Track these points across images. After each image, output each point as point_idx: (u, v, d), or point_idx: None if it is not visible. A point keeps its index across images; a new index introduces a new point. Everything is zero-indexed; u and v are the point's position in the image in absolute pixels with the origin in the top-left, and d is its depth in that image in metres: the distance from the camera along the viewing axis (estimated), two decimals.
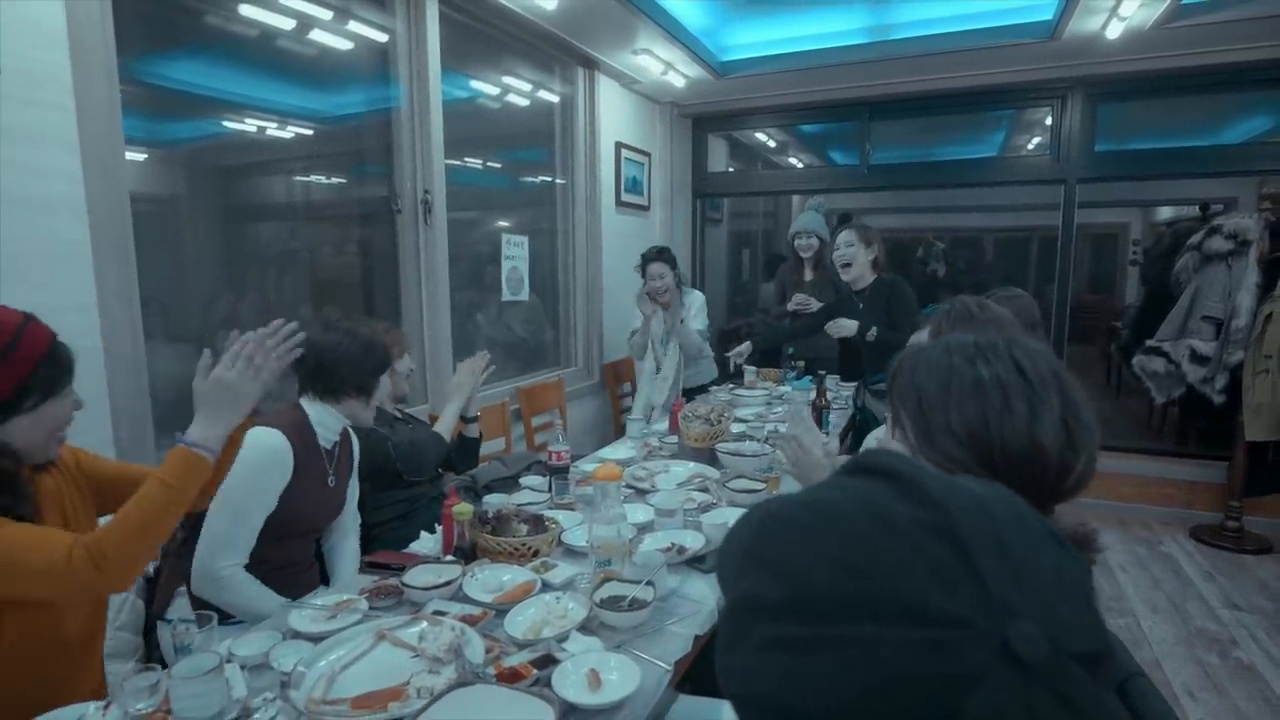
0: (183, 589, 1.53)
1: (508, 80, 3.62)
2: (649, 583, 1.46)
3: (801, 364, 3.96)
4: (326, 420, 1.77)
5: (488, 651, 1.29)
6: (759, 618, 0.37)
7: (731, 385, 3.81)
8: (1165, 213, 8.18)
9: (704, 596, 1.55)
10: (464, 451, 2.46)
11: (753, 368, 3.94)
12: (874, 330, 3.23)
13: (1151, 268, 4.58)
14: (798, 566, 0.37)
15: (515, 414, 3.43)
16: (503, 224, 3.76)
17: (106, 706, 1.12)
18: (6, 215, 1.66)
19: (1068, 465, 0.87)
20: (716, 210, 5.96)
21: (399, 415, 2.37)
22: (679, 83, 4.17)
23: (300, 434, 1.68)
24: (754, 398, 3.48)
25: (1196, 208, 4.58)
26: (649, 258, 3.73)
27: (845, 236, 3.35)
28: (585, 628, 1.38)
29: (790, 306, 4.04)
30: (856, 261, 3.32)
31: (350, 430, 1.89)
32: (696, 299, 3.89)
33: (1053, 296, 4.37)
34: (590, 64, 3.95)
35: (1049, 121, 4.70)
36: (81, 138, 1.79)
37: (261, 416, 1.62)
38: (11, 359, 1.13)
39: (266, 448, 1.59)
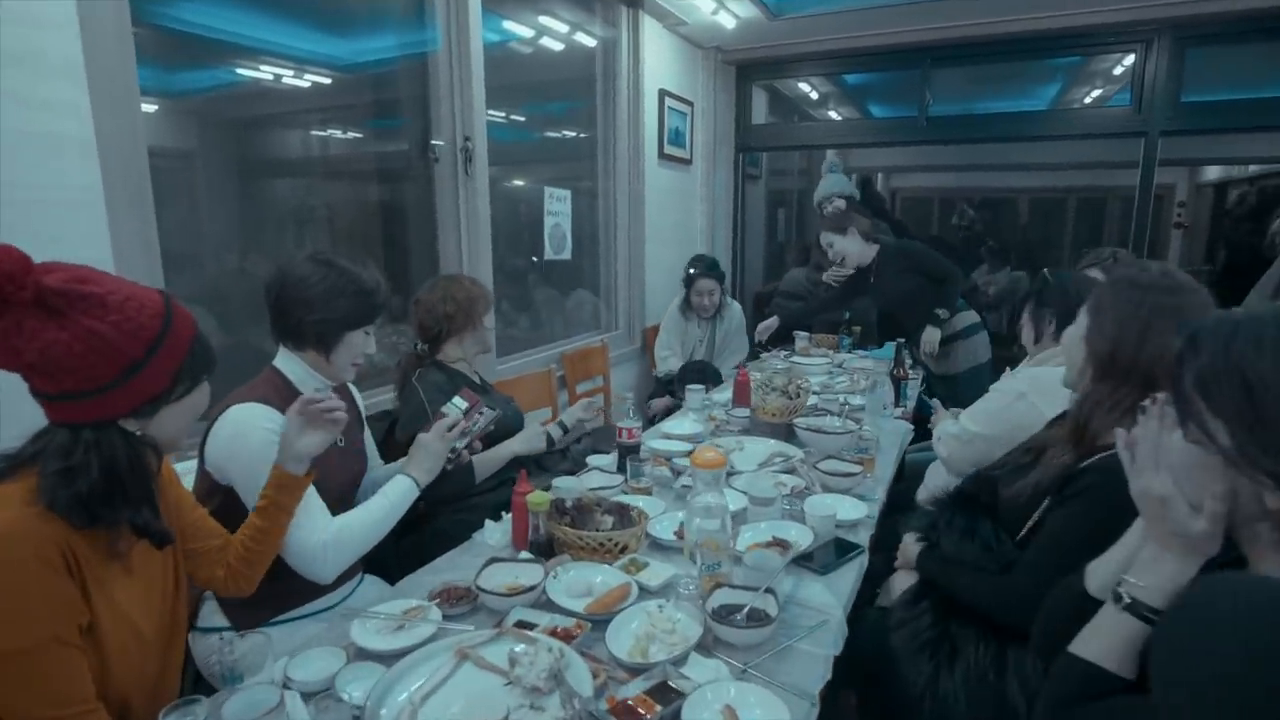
0: (208, 592, 1.34)
1: (545, 21, 3.31)
2: (769, 590, 1.25)
3: (859, 329, 3.72)
4: (305, 378, 1.48)
5: (593, 676, 1.07)
6: None
7: (785, 352, 3.57)
8: (1212, 173, 7.74)
9: (826, 604, 1.33)
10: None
11: (805, 333, 3.72)
12: (944, 312, 3.23)
13: (1235, 230, 4.28)
14: None
15: (559, 380, 3.21)
16: (542, 180, 3.49)
17: None
18: (8, 154, 1.42)
19: None
20: (755, 166, 5.64)
21: (481, 381, 2.14)
22: (729, 24, 3.83)
23: (281, 396, 1.41)
24: (815, 366, 3.24)
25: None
26: (699, 273, 3.63)
27: (824, 239, 3.41)
28: (700, 645, 1.17)
29: (826, 277, 3.81)
30: (848, 252, 3.34)
31: (349, 384, 1.66)
32: (735, 315, 3.83)
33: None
34: (635, 1, 3.62)
35: (1117, 71, 4.35)
36: (88, 65, 1.54)
37: (236, 390, 1.41)
38: (169, 344, 1.00)
39: (251, 424, 1.34)
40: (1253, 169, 6.77)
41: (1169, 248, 8.78)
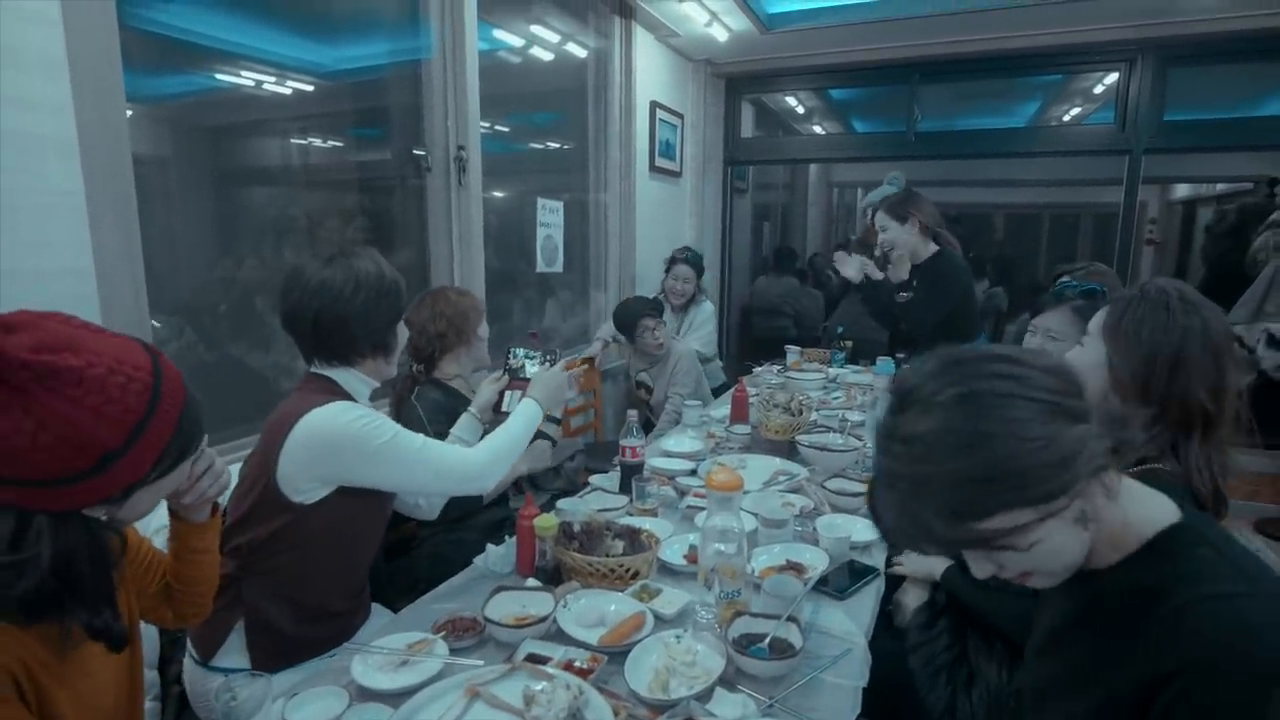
0: (239, 625, 1.24)
1: (538, 31, 3.26)
2: (791, 618, 1.19)
3: (850, 344, 3.70)
4: (356, 386, 1.38)
5: (614, 714, 1.01)
6: None
7: (779, 366, 3.54)
8: (1182, 190, 7.90)
9: (848, 632, 1.28)
10: None
11: (796, 348, 3.69)
12: (908, 293, 2.86)
13: (1215, 246, 4.33)
14: None
15: None
16: (531, 191, 3.43)
17: None
18: None
19: None
20: (742, 180, 5.64)
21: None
22: (722, 36, 3.82)
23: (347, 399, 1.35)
24: (809, 381, 3.21)
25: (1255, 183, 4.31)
26: (679, 259, 3.60)
27: (879, 219, 2.90)
28: (722, 678, 1.11)
29: (835, 260, 3.57)
30: (899, 242, 2.86)
31: None
32: (706, 309, 3.72)
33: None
34: (627, 12, 3.59)
35: (1097, 90, 4.41)
36: (71, 62, 1.46)
37: (286, 403, 1.31)
38: (154, 426, 0.79)
39: (344, 418, 1.25)
40: (1220, 187, 6.92)
41: (1140, 264, 8.98)
